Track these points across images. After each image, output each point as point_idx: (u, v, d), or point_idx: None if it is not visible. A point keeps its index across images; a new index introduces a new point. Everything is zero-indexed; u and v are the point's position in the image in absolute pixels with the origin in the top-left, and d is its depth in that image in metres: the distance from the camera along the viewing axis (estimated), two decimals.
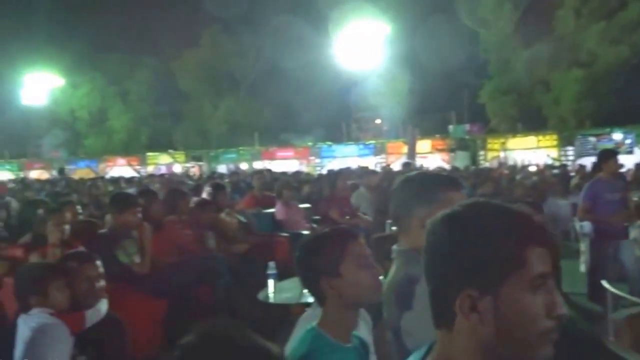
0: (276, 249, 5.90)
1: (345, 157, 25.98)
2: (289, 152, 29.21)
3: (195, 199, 6.22)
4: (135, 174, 25.59)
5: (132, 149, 34.43)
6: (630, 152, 19.68)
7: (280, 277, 4.48)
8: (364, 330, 1.96)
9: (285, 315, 4.10)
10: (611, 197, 5.72)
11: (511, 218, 1.02)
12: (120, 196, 5.04)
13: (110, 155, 33.56)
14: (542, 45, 24.11)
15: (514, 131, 25.64)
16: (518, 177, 12.70)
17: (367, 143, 28.29)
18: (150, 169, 29.99)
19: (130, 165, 31.31)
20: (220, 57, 32.32)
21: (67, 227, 4.31)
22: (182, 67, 33.06)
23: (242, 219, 6.46)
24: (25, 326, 2.77)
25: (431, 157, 24.28)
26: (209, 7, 28.79)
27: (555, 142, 23.33)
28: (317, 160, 27.86)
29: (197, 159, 29.60)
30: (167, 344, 4.41)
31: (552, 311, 0.98)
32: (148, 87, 34.86)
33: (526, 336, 0.97)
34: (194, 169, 27.52)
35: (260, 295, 4.36)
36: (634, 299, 4.20)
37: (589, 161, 14.38)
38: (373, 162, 23.77)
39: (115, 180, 16.77)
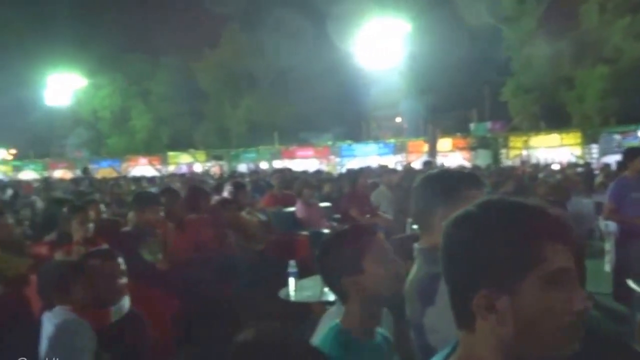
0: (297, 248, 5.92)
1: (365, 156, 25.93)
2: (309, 151, 29.24)
3: (216, 197, 6.26)
4: (156, 174, 25.84)
5: (153, 148, 34.83)
6: None
7: (300, 275, 4.49)
8: (385, 329, 1.95)
9: (306, 314, 4.10)
10: (637, 196, 5.61)
11: (525, 214, 1.00)
12: (143, 195, 5.09)
13: (132, 154, 33.98)
14: (565, 41, 23.77)
15: (536, 129, 25.33)
16: (541, 175, 12.54)
17: (387, 142, 28.19)
18: (171, 168, 30.29)
19: (151, 164, 31.64)
20: (239, 57, 32.50)
21: (91, 225, 4.37)
22: (203, 67, 33.32)
23: (263, 217, 6.48)
24: (49, 323, 2.80)
25: (452, 155, 24.12)
26: (228, 6, 28.96)
27: (579, 140, 23.02)
28: (337, 159, 27.84)
29: (217, 158, 29.80)
30: (187, 340, 4.45)
31: (574, 307, 0.96)
32: (169, 87, 35.21)
33: (548, 334, 0.96)
34: (215, 169, 27.70)
35: (281, 294, 4.38)
36: None
37: (613, 159, 14.15)
38: (393, 161, 23.68)
39: (137, 180, 16.95)
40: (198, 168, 29.46)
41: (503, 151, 24.61)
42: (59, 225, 4.44)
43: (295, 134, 31.09)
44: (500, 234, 0.98)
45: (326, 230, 6.47)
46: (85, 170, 20.95)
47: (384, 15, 28.01)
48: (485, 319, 0.98)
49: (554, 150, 22.89)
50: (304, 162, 26.76)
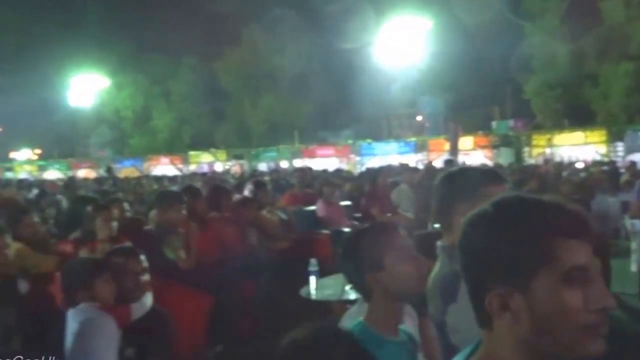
0: (317, 246, 5.91)
1: (386, 155, 25.83)
2: (329, 150, 29.23)
3: (237, 196, 6.28)
4: (178, 173, 26.07)
5: (175, 148, 35.16)
6: None
7: (321, 274, 4.49)
8: (410, 326, 1.95)
9: (326, 312, 4.11)
10: None
11: (537, 211, 0.98)
12: (166, 194, 5.13)
13: (154, 154, 34.33)
14: (589, 37, 23.39)
15: (560, 127, 24.98)
16: (565, 173, 12.37)
17: (407, 140, 28.05)
18: (192, 167, 30.52)
19: (173, 164, 31.94)
20: (259, 56, 32.62)
21: (114, 223, 4.42)
22: (223, 67, 33.53)
23: (283, 216, 6.49)
24: (74, 319, 2.85)
25: (474, 154, 23.90)
26: (249, 6, 29.10)
27: (603, 138, 22.64)
28: (357, 158, 27.79)
29: (238, 157, 29.96)
30: (210, 338, 4.49)
31: (594, 304, 0.94)
32: (190, 87, 35.52)
33: (567, 332, 0.94)
34: (235, 168, 27.83)
35: (302, 292, 4.38)
36: None
37: (639, 157, 13.89)
38: (414, 160, 23.55)
39: (159, 179, 17.11)
40: (219, 167, 29.65)
41: (526, 149, 24.31)
42: (84, 224, 4.50)
43: (315, 133, 31.12)
44: (511, 232, 0.97)
45: (347, 229, 6.47)
46: (109, 170, 21.25)
47: (405, 13, 27.87)
48: (500, 318, 0.98)
49: (578, 148, 22.56)
50: (324, 161, 26.77)
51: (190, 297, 4.28)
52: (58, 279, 3.49)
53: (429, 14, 27.87)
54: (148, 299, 3.16)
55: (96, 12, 34.98)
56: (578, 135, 23.51)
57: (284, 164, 27.63)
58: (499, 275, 0.97)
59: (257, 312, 5.04)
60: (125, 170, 29.75)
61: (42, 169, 35.01)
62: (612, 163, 16.54)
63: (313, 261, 4.48)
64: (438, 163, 17.34)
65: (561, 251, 0.94)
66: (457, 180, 1.79)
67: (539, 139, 24.39)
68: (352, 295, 3.59)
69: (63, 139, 37.82)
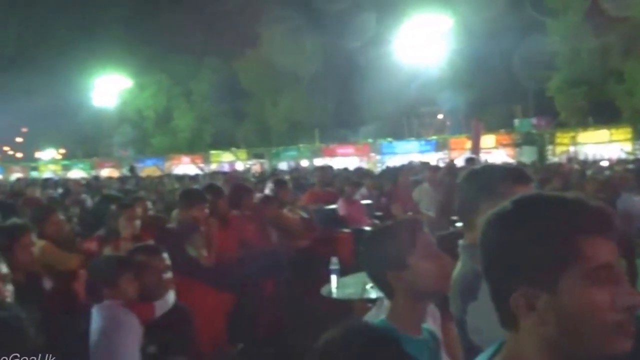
0: (339, 245, 5.90)
1: (407, 154, 25.70)
2: (350, 149, 29.18)
3: (258, 195, 6.31)
4: (199, 172, 26.27)
5: (196, 147, 35.46)
6: None
7: (342, 272, 4.48)
8: (433, 326, 1.93)
9: (348, 311, 4.10)
10: None
11: (560, 208, 0.97)
12: (189, 192, 5.17)
13: (176, 153, 34.65)
14: (614, 33, 22.99)
15: (584, 125, 24.61)
16: (589, 172, 12.18)
17: (428, 139, 27.88)
18: (213, 166, 30.74)
19: (194, 163, 32.20)
20: (280, 55, 32.69)
21: (138, 221, 4.47)
22: (244, 67, 33.70)
23: (304, 214, 6.50)
24: (98, 316, 2.90)
25: (496, 152, 23.65)
26: (269, 6, 29.18)
27: (629, 136, 22.28)
28: (378, 157, 27.70)
29: (258, 156, 30.10)
30: (230, 336, 4.51)
31: (621, 303, 0.92)
32: (211, 87, 35.77)
33: (594, 332, 0.92)
34: (256, 167, 27.95)
35: (323, 291, 4.38)
36: None
37: None
38: (435, 159, 23.39)
39: (181, 178, 17.26)
40: (240, 166, 29.81)
41: (549, 148, 23.99)
42: (108, 222, 4.56)
43: (335, 132, 31.11)
44: (534, 231, 0.95)
45: (368, 228, 6.45)
46: (132, 169, 21.52)
47: (425, 11, 27.70)
48: (526, 318, 0.96)
49: (603, 146, 22.19)
50: (345, 159, 26.74)
51: (212, 295, 4.31)
52: (82, 276, 3.55)
53: (450, 11, 27.67)
54: (170, 297, 3.19)
55: (119, 14, 35.46)
56: (603, 133, 23.16)
57: (304, 163, 27.67)
58: (524, 276, 0.95)
59: (277, 311, 5.06)
60: (147, 169, 30.10)
61: (66, 168, 35.57)
62: (637, 161, 16.24)
63: (334, 260, 4.47)
64: (459, 162, 17.21)
65: (587, 249, 0.93)
66: (480, 178, 1.77)
67: (563, 137, 24.07)
68: (374, 294, 3.58)
69: (87, 138, 38.41)
